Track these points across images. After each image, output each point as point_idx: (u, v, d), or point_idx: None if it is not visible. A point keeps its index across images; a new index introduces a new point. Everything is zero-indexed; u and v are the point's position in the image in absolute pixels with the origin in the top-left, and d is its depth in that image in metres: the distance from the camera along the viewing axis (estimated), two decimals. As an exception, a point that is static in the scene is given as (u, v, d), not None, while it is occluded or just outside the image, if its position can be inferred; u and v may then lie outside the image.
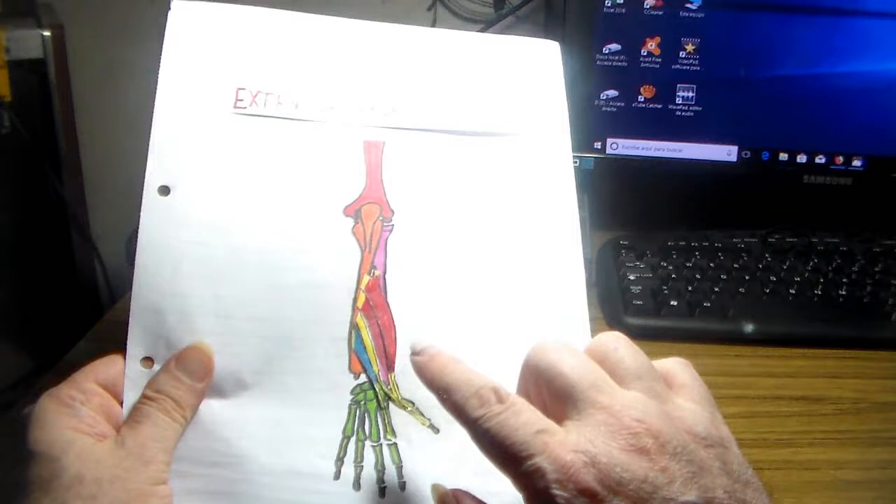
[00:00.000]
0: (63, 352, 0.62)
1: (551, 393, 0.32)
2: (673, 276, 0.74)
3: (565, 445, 0.29)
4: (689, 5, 0.80)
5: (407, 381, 0.40)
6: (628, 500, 0.28)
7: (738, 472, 0.30)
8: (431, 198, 0.43)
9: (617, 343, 0.34)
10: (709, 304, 0.71)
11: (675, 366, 0.35)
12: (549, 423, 0.31)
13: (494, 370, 0.39)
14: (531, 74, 0.47)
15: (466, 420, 0.32)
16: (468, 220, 0.43)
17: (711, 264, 0.76)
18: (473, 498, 0.35)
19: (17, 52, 0.90)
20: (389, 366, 0.40)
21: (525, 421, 0.31)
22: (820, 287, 0.73)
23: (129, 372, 0.38)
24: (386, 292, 0.41)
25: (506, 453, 0.30)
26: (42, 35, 0.91)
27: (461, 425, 0.32)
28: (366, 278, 0.41)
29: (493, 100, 0.46)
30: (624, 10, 0.81)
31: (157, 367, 0.38)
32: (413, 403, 0.40)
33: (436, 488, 0.36)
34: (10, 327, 0.98)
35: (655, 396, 0.32)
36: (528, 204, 0.44)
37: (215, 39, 0.44)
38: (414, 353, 0.35)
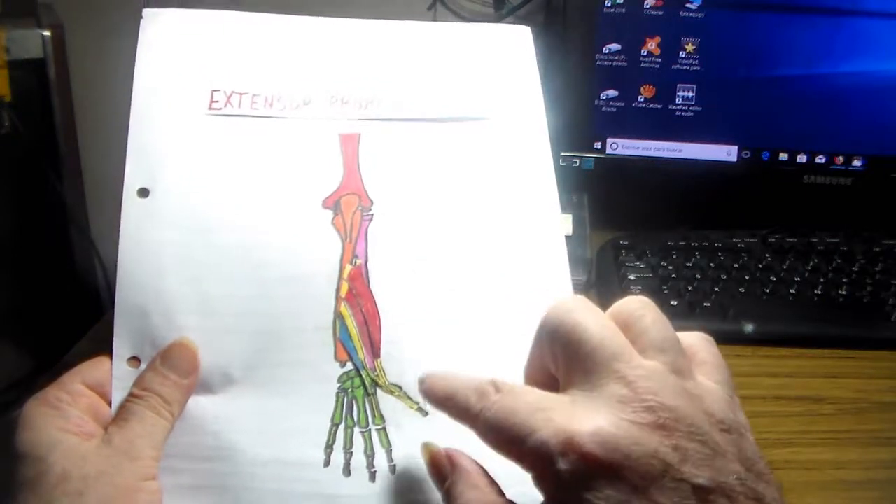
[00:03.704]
0: (63, 352, 0.62)
1: (567, 354, 0.31)
2: (673, 276, 0.74)
3: (569, 417, 0.28)
4: (689, 5, 0.80)
5: (393, 367, 0.41)
6: (635, 475, 0.27)
7: (751, 461, 0.29)
8: (409, 185, 0.44)
9: (643, 310, 0.32)
10: (709, 304, 0.71)
11: (698, 341, 0.34)
12: (552, 401, 0.29)
13: (478, 353, 0.40)
14: (504, 59, 0.48)
15: (470, 418, 0.31)
16: (447, 206, 0.44)
17: (711, 264, 0.76)
18: (469, 458, 0.34)
19: (17, 52, 0.90)
20: (375, 352, 0.41)
21: (526, 402, 0.30)
22: (820, 287, 0.73)
23: (115, 372, 0.38)
24: (368, 280, 0.42)
25: (508, 436, 0.29)
26: (42, 35, 0.91)
27: (470, 429, 0.31)
28: (348, 268, 0.42)
29: (467, 86, 0.47)
30: (624, 10, 0.81)
31: (143, 366, 0.39)
32: (400, 388, 0.40)
33: (427, 448, 0.35)
34: (10, 327, 0.98)
35: (676, 371, 0.30)
36: (506, 186, 0.45)
37: (187, 44, 0.45)
38: (420, 385, 0.35)
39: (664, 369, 0.30)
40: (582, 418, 0.28)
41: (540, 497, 0.29)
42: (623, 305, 0.33)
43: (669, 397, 0.29)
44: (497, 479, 0.33)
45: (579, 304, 0.32)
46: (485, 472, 0.33)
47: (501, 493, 0.32)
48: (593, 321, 0.31)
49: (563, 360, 0.31)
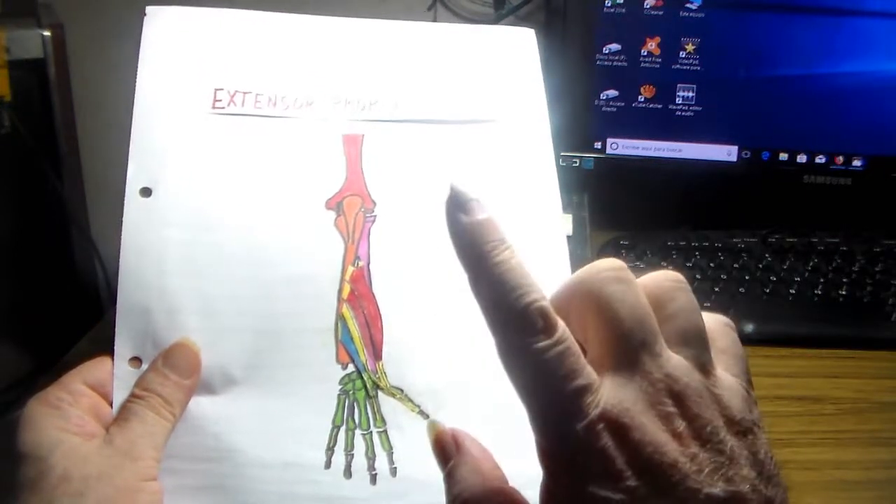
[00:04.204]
0: (63, 352, 0.62)
1: (596, 329, 0.29)
2: (673, 276, 0.74)
3: (601, 410, 0.27)
4: (689, 5, 0.80)
5: (395, 369, 0.40)
6: (650, 485, 0.26)
7: (762, 463, 0.29)
8: (412, 187, 0.44)
9: (676, 291, 0.30)
10: (709, 305, 0.71)
11: (718, 326, 0.32)
12: (589, 377, 0.28)
13: (481, 356, 0.39)
14: (508, 62, 0.48)
15: (501, 334, 0.28)
16: None
17: (711, 264, 0.76)
18: (475, 441, 0.33)
19: (17, 52, 0.90)
20: (377, 355, 0.41)
21: (569, 370, 0.27)
22: (820, 287, 0.73)
23: (117, 372, 0.38)
24: (370, 282, 0.42)
25: (542, 402, 0.28)
26: (42, 35, 0.91)
27: (491, 334, 0.29)
28: (350, 269, 0.42)
29: (471, 88, 0.46)
30: (624, 10, 0.81)
31: (144, 366, 0.39)
32: (402, 391, 0.40)
33: (433, 426, 0.34)
34: (10, 327, 0.98)
35: (699, 367, 0.29)
36: (509, 189, 0.44)
37: (191, 43, 0.45)
38: (454, 204, 0.29)
39: (688, 366, 0.29)
40: (610, 417, 0.27)
41: None
42: (657, 281, 0.31)
43: (692, 401, 0.28)
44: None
45: (615, 273, 0.30)
46: (490, 456, 0.33)
47: (505, 481, 0.32)
48: (630, 299, 0.29)
49: (593, 332, 0.30)
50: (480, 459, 0.32)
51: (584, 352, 0.29)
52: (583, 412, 0.27)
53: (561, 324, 0.28)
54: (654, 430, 0.27)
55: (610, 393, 0.28)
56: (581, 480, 0.27)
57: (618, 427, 0.27)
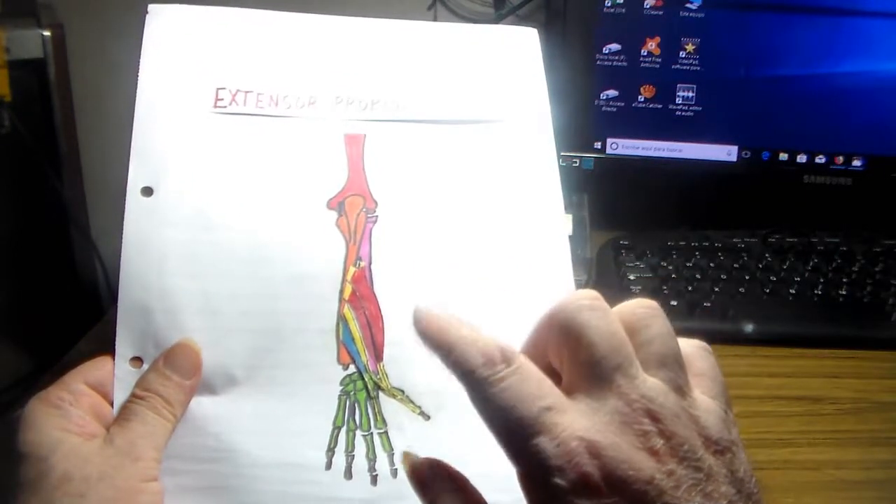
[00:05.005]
0: (63, 352, 0.62)
1: (571, 356, 0.30)
2: (673, 276, 0.74)
3: (572, 429, 0.28)
4: (689, 5, 0.80)
5: (396, 370, 0.41)
6: (627, 501, 0.27)
7: (742, 481, 0.29)
8: (414, 187, 0.44)
9: (650, 319, 0.32)
10: (709, 304, 0.71)
11: (695, 351, 0.33)
12: (557, 397, 0.29)
13: None
14: (510, 61, 0.48)
15: (468, 378, 0.30)
16: (452, 209, 0.44)
17: (711, 264, 0.76)
18: (448, 468, 0.33)
19: (17, 52, 0.90)
20: (378, 355, 0.41)
21: (532, 391, 0.29)
22: (820, 287, 0.73)
23: (118, 372, 0.38)
24: (372, 283, 0.42)
25: (508, 425, 0.29)
26: (42, 35, 0.91)
27: (462, 385, 0.30)
28: (351, 270, 0.42)
29: (473, 88, 0.47)
30: (624, 10, 0.81)
31: (145, 366, 0.39)
32: (403, 392, 0.40)
33: (407, 456, 0.34)
34: (10, 327, 0.98)
35: (676, 389, 0.30)
36: (511, 189, 0.45)
37: (193, 41, 0.45)
38: (415, 317, 0.32)
39: (664, 388, 0.30)
40: (585, 435, 0.28)
41: None
42: (631, 309, 0.32)
43: (668, 420, 0.29)
44: (492, 482, 0.33)
45: (589, 302, 0.31)
46: (468, 484, 0.33)
47: None
48: (603, 326, 0.30)
49: (568, 359, 0.31)
50: (460, 489, 0.33)
51: (560, 381, 0.30)
52: (553, 431, 0.28)
53: (520, 354, 0.30)
54: (629, 448, 0.28)
55: (583, 413, 0.29)
56: (559, 500, 0.27)
57: (591, 445, 0.28)
